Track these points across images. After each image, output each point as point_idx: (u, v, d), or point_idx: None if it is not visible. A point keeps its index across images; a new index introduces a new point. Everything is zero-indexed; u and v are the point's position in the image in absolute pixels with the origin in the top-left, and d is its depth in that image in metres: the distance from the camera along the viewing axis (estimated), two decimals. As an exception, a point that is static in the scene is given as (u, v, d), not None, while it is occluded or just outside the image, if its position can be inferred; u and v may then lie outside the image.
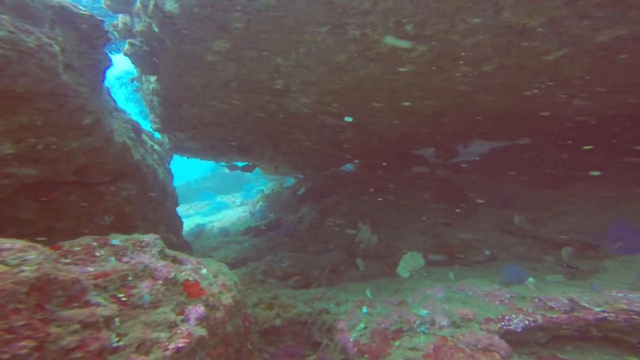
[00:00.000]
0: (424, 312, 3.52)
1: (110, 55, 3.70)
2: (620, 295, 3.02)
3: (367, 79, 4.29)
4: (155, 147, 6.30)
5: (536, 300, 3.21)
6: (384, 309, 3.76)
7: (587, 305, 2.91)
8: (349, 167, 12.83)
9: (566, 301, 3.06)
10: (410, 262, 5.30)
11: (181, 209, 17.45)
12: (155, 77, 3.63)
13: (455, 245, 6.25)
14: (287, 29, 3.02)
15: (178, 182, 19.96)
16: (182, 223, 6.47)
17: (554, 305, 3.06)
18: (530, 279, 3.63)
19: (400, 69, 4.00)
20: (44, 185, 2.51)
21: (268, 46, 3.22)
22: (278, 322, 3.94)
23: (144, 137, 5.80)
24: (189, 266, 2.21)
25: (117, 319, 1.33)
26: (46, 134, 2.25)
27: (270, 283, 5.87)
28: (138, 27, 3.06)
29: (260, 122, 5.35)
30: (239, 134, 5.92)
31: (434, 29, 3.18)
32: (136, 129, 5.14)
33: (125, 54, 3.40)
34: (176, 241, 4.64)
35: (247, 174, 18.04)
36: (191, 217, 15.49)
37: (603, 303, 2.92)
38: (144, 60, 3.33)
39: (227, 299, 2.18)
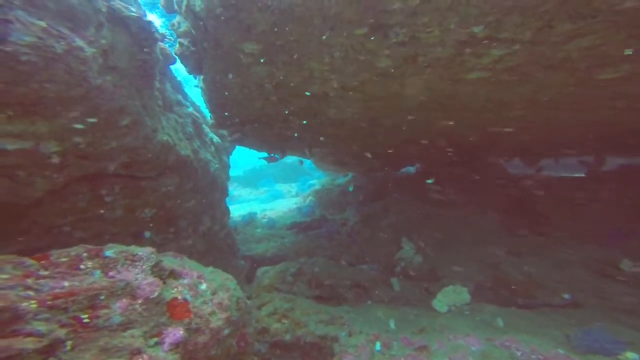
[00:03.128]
0: (448, 366, 3.01)
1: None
2: None
3: (422, 87, 3.77)
4: (215, 139, 6.76)
5: None
6: (400, 351, 3.33)
7: None
8: (410, 169, 11.97)
9: None
10: (451, 296, 4.63)
11: (244, 192, 19.00)
12: (202, 76, 3.78)
13: (519, 280, 5.24)
14: (317, 30, 2.77)
15: (246, 167, 21.68)
16: (229, 213, 6.88)
17: None
18: (630, 354, 2.65)
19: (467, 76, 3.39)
20: (93, 178, 2.84)
21: (298, 49, 3.02)
22: (288, 337, 3.85)
23: (206, 129, 6.25)
24: (186, 281, 2.21)
25: (69, 343, 1.33)
26: (87, 134, 2.49)
27: (296, 288, 5.84)
28: (182, 28, 3.18)
29: (304, 125, 5.24)
30: (286, 135, 5.93)
31: (515, 31, 2.54)
32: (196, 122, 5.55)
33: (176, 54, 3.61)
34: (201, 247, 4.81)
35: (305, 166, 18.46)
36: (251, 201, 16.65)
37: None
38: (191, 60, 3.48)
39: (217, 320, 2.12)
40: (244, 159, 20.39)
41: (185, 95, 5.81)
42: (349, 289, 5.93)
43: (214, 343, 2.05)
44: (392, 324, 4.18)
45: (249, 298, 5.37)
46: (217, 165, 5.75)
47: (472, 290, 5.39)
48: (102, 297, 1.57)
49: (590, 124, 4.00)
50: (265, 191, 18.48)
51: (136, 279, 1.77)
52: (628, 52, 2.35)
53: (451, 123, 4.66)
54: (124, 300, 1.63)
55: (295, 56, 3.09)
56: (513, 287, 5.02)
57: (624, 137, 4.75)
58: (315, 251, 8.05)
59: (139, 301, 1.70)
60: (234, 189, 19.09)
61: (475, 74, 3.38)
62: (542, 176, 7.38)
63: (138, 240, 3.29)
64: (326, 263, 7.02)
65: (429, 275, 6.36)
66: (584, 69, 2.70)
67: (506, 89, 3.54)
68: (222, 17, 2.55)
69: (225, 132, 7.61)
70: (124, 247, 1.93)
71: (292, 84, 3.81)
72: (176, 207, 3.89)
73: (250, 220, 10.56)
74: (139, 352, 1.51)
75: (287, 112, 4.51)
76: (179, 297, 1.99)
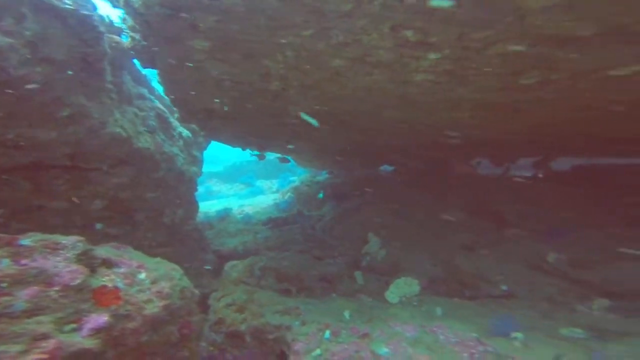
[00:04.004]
0: (383, 350, 3.20)
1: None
2: None
3: (373, 87, 3.92)
4: (185, 133, 6.72)
5: None
6: (347, 339, 3.51)
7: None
8: (387, 168, 12.20)
9: None
10: (402, 288, 4.85)
11: (224, 188, 18.91)
12: (157, 71, 3.80)
13: (469, 274, 5.54)
14: (265, 30, 2.85)
15: (227, 163, 21.53)
16: (197, 207, 6.88)
17: None
18: (518, 334, 3.02)
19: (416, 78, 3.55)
20: (33, 168, 2.84)
21: (250, 47, 3.09)
22: (243, 327, 3.96)
23: (175, 123, 6.22)
24: (122, 270, 2.28)
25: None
26: (21, 124, 2.49)
27: (264, 281, 5.95)
28: (128, 22, 3.19)
29: (271, 122, 5.31)
30: (253, 130, 5.98)
31: (441, 37, 2.70)
32: (161, 116, 5.54)
33: (128, 48, 3.60)
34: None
35: (287, 163, 18.51)
36: (230, 197, 16.60)
37: None
38: (143, 54, 3.48)
39: (153, 308, 2.20)
40: (225, 154, 20.27)
41: (151, 89, 5.77)
42: (316, 282, 6.09)
43: (147, 329, 2.14)
44: (347, 315, 4.36)
45: (214, 291, 5.44)
46: (184, 160, 5.76)
47: (427, 282, 5.66)
48: (4, 285, 1.62)
49: (528, 126, 4.27)
50: (245, 187, 18.45)
51: (55, 267, 1.83)
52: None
53: (405, 124, 4.85)
54: (35, 287, 1.69)
55: (248, 54, 3.16)
56: (462, 279, 5.31)
57: (569, 140, 5.07)
58: (287, 246, 8.16)
59: (55, 288, 1.77)
60: (213, 185, 18.94)
61: (420, 76, 3.55)
62: (501, 176, 7.74)
63: (87, 231, 3.31)
64: (295, 257, 7.15)
65: (391, 269, 6.58)
66: (507, 74, 2.90)
67: (450, 91, 3.73)
68: (164, 15, 2.59)
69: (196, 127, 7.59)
70: (46, 236, 1.98)
71: (250, 81, 3.88)
72: (133, 199, 3.91)
73: (225, 215, 10.58)
74: (44, 337, 1.57)
75: (250, 107, 4.58)
76: (109, 285, 2.06)
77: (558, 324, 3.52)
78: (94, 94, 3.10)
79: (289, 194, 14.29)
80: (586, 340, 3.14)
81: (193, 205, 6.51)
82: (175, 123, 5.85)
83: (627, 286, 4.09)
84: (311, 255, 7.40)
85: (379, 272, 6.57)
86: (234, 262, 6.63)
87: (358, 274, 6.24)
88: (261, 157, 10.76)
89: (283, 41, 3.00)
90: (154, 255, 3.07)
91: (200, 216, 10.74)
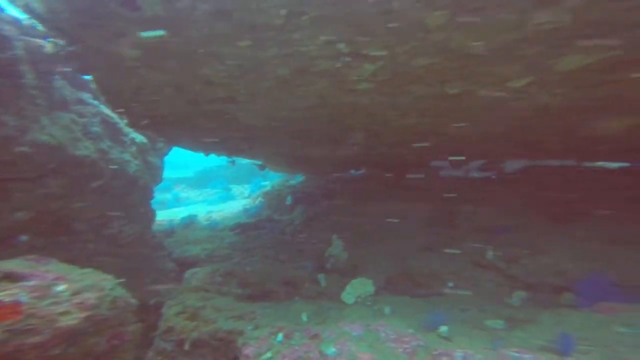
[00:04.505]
0: (331, 350, 3.31)
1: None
2: (515, 355, 2.74)
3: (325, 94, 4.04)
4: (139, 139, 6.51)
5: (434, 352, 2.95)
6: (299, 341, 3.58)
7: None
8: (357, 172, 12.45)
9: (459, 357, 2.78)
10: (357, 289, 5.02)
11: (193, 194, 18.42)
12: (91, 77, 3.68)
13: (422, 273, 5.83)
14: (198, 40, 2.87)
15: (197, 168, 20.97)
16: (153, 216, 6.68)
17: None
18: (443, 327, 3.28)
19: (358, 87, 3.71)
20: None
21: (185, 57, 3.09)
22: (195, 334, 3.93)
23: (124, 128, 6.01)
24: (32, 283, 2.22)
25: None
26: None
27: (226, 288, 5.90)
28: (40, 27, 3.05)
29: (222, 127, 5.28)
30: (205, 134, 5.90)
31: (372, 50, 2.87)
32: (108, 122, 5.35)
33: (50, 53, 3.43)
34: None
35: (258, 168, 18.37)
36: (199, 203, 16.19)
37: None
38: (72, 60, 3.33)
39: (70, 320, 2.16)
40: (196, 159, 19.78)
41: (97, 94, 5.57)
42: (280, 286, 6.12)
43: (59, 342, 2.09)
44: (304, 317, 4.44)
45: (171, 299, 5.29)
46: (137, 167, 5.59)
47: (384, 282, 5.88)
48: None
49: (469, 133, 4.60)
50: (216, 192, 18.08)
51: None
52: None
53: (361, 133, 5.04)
54: None
55: (184, 62, 3.16)
56: (416, 278, 5.58)
57: (502, 144, 5.50)
58: (254, 251, 8.12)
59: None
60: (181, 191, 18.39)
61: (363, 85, 3.73)
62: (456, 178, 8.22)
63: (7, 244, 3.14)
64: (260, 263, 7.15)
65: (353, 270, 6.74)
66: (434, 84, 3.15)
67: (392, 100, 3.95)
68: (77, 22, 2.53)
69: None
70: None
71: (193, 89, 3.87)
72: (67, 210, 3.74)
73: (190, 222, 10.33)
74: None
75: (199, 113, 4.55)
76: (7, 300, 2.00)
77: (487, 315, 3.83)
78: (11, 101, 2.95)
79: (259, 199, 14.20)
80: (502, 330, 3.46)
81: (148, 214, 6.31)
82: (127, 129, 5.67)
83: (543, 279, 4.53)
84: (277, 260, 7.42)
85: (342, 273, 6.72)
86: (195, 269, 6.50)
87: (321, 277, 6.34)
88: (232, 163, 10.64)
89: (221, 50, 3.04)
90: (97, 266, 2.98)
91: (163, 224, 10.41)
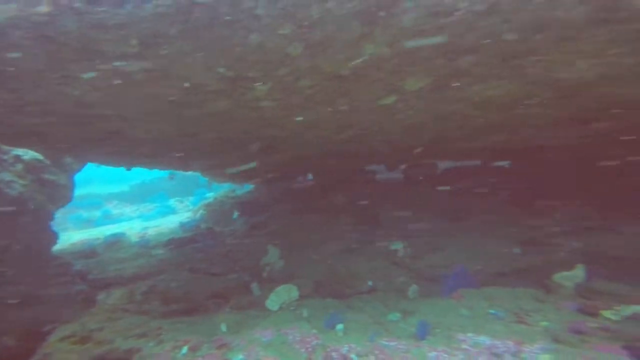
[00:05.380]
0: (238, 358, 3.35)
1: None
2: (385, 343, 3.11)
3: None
4: (27, 156, 5.75)
5: (328, 349, 3.20)
6: (206, 351, 3.56)
7: (352, 355, 2.96)
8: (310, 178, 12.63)
9: (344, 352, 3.08)
10: (282, 295, 5.12)
11: (128, 210, 16.97)
12: None
13: (346, 274, 6.17)
14: (62, 55, 2.69)
15: (133, 182, 19.37)
16: (54, 237, 6.02)
17: (334, 356, 3.07)
18: (340, 326, 3.57)
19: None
20: None
21: (54, 69, 2.88)
22: (75, 358, 3.62)
23: (4, 146, 5.25)
24: None
25: None
26: None
27: (148, 306, 5.59)
28: None
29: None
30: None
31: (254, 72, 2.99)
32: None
33: None
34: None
35: (201, 180, 17.61)
36: (134, 219, 14.97)
37: (366, 353, 2.99)
38: None
39: None
40: (132, 173, 18.29)
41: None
42: (208, 299, 5.96)
43: None
44: (223, 328, 4.39)
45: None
46: (23, 188, 4.94)
47: (314, 286, 6.09)
48: None
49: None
50: (155, 207, 16.90)
51: None
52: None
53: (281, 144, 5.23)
54: None
55: (54, 75, 2.91)
56: (341, 280, 5.89)
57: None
58: (184, 266, 7.80)
59: None
60: (113, 207, 16.87)
61: (265, 103, 3.88)
62: (380, 181, 8.91)
63: None
64: (188, 277, 6.88)
65: (287, 277, 6.85)
66: (325, 103, 3.49)
67: (293, 115, 4.13)
68: None
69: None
70: None
71: (65, 101, 3.56)
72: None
73: (115, 240, 9.54)
74: None
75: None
76: None
77: (389, 309, 4.23)
78: None
79: (201, 211, 13.70)
80: (396, 322, 3.86)
81: (46, 236, 5.66)
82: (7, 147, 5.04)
83: (437, 272, 5.14)
84: (208, 273, 7.23)
85: (277, 281, 6.79)
86: (114, 290, 6.07)
87: (255, 286, 6.33)
88: (171, 177, 10.13)
89: (96, 66, 2.86)
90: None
91: (80, 244, 9.46)
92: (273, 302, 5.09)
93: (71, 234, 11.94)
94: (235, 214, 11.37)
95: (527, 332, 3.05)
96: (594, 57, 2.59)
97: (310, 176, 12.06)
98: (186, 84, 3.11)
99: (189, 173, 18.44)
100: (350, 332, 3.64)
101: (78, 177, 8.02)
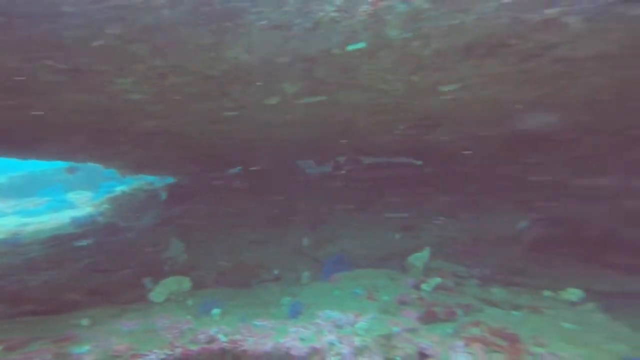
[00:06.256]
0: (84, 349, 2.99)
1: None
2: (258, 324, 3.24)
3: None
4: None
5: (197, 332, 3.16)
6: (42, 346, 3.07)
7: (220, 336, 3.04)
8: (239, 169, 11.98)
9: (213, 332, 3.10)
10: (171, 286, 4.75)
11: (4, 205, 13.90)
12: None
13: (253, 265, 6.07)
14: None
15: (14, 173, 15.98)
16: None
17: (201, 337, 3.06)
18: (215, 310, 3.51)
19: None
20: None
21: None
22: None
23: None
24: None
25: None
26: None
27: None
28: None
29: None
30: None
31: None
32: None
33: None
34: None
35: (107, 172, 15.40)
36: (9, 216, 12.32)
37: (234, 333, 3.08)
38: None
39: None
40: (10, 162, 15.07)
41: None
42: (83, 296, 5.19)
43: None
44: (84, 322, 3.88)
45: None
46: None
47: (216, 276, 5.85)
48: None
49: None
50: (46, 201, 14.23)
51: None
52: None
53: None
54: None
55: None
56: (248, 269, 5.79)
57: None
58: (63, 264, 6.73)
59: None
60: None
61: (134, 95, 3.62)
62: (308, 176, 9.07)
63: None
64: (58, 274, 6.02)
65: (190, 270, 6.42)
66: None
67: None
68: None
69: None
70: None
71: None
72: None
73: (-30, 237, 7.69)
74: None
75: None
76: None
77: (283, 294, 4.30)
78: None
79: (104, 205, 12.06)
80: (279, 306, 3.93)
81: None
82: None
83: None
84: (92, 270, 6.39)
85: (179, 274, 6.33)
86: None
87: (147, 281, 5.75)
88: (71, 170, 8.74)
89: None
90: None
91: None
92: (159, 294, 4.68)
93: None
94: (164, 195, 10.40)
95: (369, 306, 3.44)
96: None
97: (238, 169, 11.59)
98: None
99: (95, 165, 16.09)
100: (228, 316, 3.56)
101: None
